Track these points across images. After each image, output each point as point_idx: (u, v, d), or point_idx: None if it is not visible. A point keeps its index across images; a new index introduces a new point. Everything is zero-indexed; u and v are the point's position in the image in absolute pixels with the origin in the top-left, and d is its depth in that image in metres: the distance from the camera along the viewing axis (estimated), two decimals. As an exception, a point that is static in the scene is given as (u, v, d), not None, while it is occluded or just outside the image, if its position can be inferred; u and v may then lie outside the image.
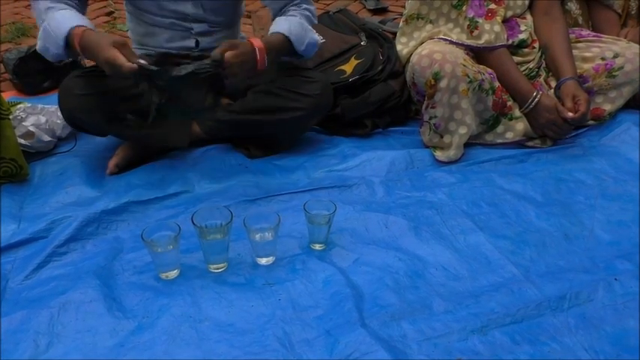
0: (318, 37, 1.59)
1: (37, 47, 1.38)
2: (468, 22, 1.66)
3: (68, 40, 1.32)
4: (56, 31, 1.32)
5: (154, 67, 1.28)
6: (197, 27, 1.58)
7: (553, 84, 1.73)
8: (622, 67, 1.69)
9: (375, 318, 1.10)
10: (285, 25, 1.49)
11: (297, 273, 1.21)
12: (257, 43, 1.40)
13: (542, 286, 1.18)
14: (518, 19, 1.76)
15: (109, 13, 2.81)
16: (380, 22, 2.55)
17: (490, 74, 1.64)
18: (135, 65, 1.26)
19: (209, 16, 1.58)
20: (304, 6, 1.58)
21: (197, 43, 1.61)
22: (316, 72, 1.61)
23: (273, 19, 1.60)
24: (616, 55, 1.70)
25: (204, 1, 1.54)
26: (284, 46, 1.49)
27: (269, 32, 1.51)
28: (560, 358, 1.03)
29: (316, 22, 1.64)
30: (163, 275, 1.19)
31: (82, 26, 1.32)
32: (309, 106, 1.56)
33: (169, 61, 1.44)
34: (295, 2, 1.57)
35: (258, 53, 1.38)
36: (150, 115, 1.31)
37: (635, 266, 1.24)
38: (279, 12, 1.58)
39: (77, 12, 1.38)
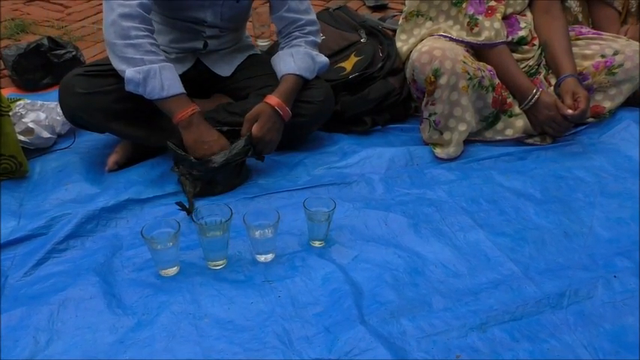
0: (325, 59, 1.61)
1: (127, 74, 1.33)
2: (467, 19, 1.66)
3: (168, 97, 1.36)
4: (167, 82, 1.35)
5: (192, 159, 1.38)
6: (209, 31, 1.59)
7: (553, 81, 1.72)
8: (622, 65, 1.69)
9: (374, 315, 1.10)
10: (290, 63, 1.51)
11: (297, 270, 1.21)
12: (273, 101, 1.44)
13: (541, 283, 1.18)
14: (518, 17, 1.76)
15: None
16: (380, 19, 2.55)
17: (490, 71, 1.64)
18: None
19: (225, 23, 1.59)
20: (307, 29, 1.59)
21: (205, 44, 1.61)
22: (318, 78, 1.60)
23: (277, 33, 1.63)
24: (616, 53, 1.70)
25: (224, 11, 1.54)
26: (298, 85, 1.51)
27: (277, 70, 1.53)
28: (559, 356, 1.03)
29: (320, 40, 1.65)
30: (163, 272, 1.20)
31: (184, 93, 1.38)
32: (311, 113, 1.56)
33: None
34: (299, 24, 1.58)
35: (279, 110, 1.44)
36: (190, 206, 1.36)
37: (635, 264, 1.24)
38: (283, 30, 1.60)
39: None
